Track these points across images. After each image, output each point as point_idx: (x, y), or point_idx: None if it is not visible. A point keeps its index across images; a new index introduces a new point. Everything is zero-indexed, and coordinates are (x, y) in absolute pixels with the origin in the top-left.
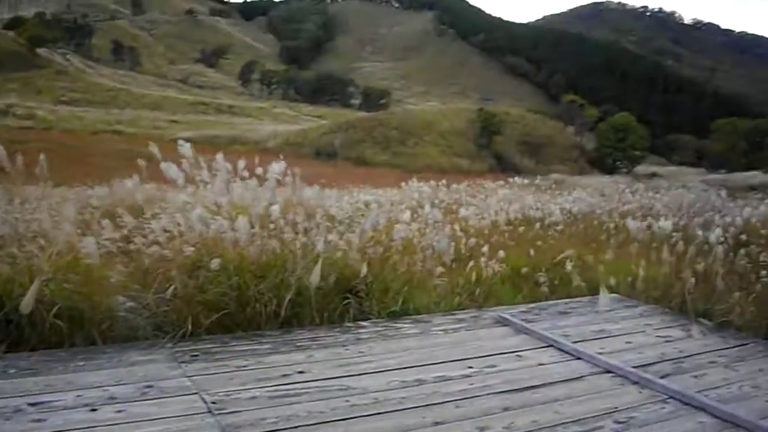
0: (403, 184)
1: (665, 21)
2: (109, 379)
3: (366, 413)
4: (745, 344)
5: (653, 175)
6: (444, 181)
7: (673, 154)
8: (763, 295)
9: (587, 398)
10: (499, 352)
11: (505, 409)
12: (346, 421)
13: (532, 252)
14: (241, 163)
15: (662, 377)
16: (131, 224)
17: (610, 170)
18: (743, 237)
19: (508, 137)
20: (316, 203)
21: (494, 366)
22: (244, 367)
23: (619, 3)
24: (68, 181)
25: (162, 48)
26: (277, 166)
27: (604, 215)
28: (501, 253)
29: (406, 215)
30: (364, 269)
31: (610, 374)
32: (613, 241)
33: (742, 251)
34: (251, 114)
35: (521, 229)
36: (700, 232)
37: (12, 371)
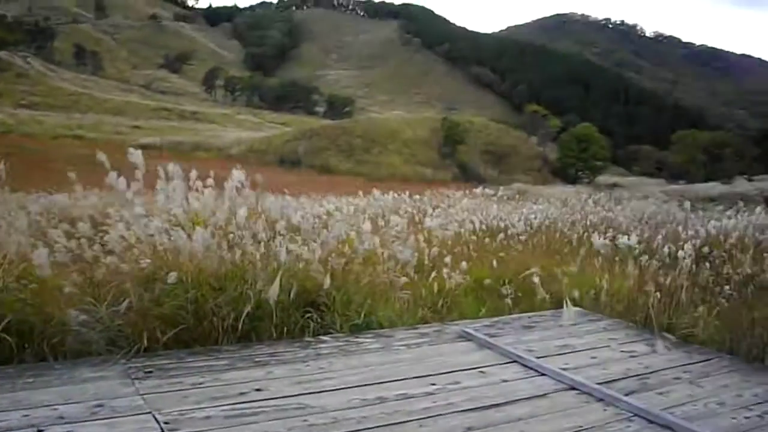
0: (366, 192)
1: (627, 33)
2: (59, 397)
3: None
4: (710, 359)
5: (614, 185)
6: (408, 193)
7: (633, 164)
8: (727, 309)
9: (551, 417)
10: (462, 368)
11: (469, 428)
12: None
13: (495, 263)
14: (203, 171)
15: (627, 394)
16: (88, 233)
17: (573, 180)
18: (706, 249)
19: (472, 146)
20: (278, 212)
21: (457, 383)
22: (200, 384)
23: (582, 15)
24: (26, 186)
25: (125, 53)
26: (238, 174)
27: (567, 227)
28: (464, 265)
29: (369, 225)
30: (328, 281)
31: (575, 391)
32: (576, 253)
33: (707, 264)
34: (215, 120)
35: (485, 239)
36: (666, 249)
37: None
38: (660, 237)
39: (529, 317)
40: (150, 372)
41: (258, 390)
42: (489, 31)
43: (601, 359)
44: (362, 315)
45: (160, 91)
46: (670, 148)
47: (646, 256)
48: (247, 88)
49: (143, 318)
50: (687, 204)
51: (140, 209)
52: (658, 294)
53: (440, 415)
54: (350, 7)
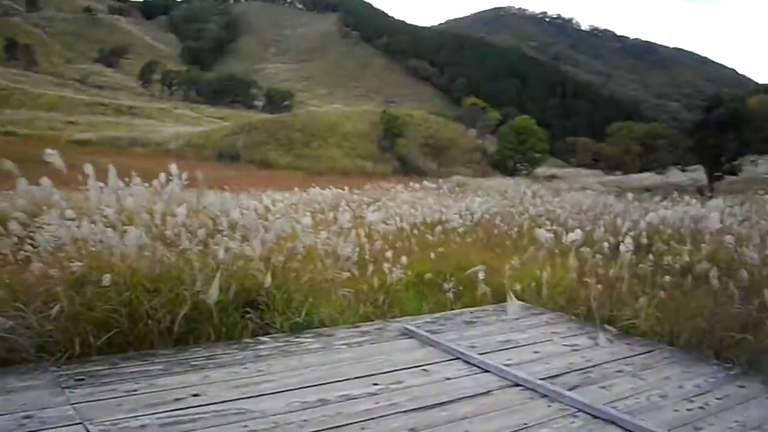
0: (306, 187)
1: (564, 27)
2: None
3: None
4: (651, 351)
5: (552, 176)
6: (346, 187)
7: (571, 156)
8: (666, 300)
9: (496, 414)
10: (404, 366)
11: (412, 429)
12: None
13: (435, 257)
14: (140, 167)
15: (570, 389)
16: (19, 233)
17: (512, 172)
18: (644, 240)
19: (411, 139)
20: (216, 208)
21: (400, 382)
22: (135, 391)
23: (520, 9)
24: None
25: (59, 46)
26: (175, 169)
27: (506, 218)
28: (404, 259)
29: (310, 220)
30: (269, 279)
31: (519, 387)
32: (516, 246)
33: (649, 256)
34: (152, 115)
35: (425, 233)
36: (606, 243)
37: None
38: (600, 229)
39: (471, 312)
40: (81, 379)
41: (195, 395)
42: (428, 25)
43: (544, 354)
44: (303, 313)
45: (95, 86)
46: (606, 140)
47: (587, 248)
48: (184, 82)
49: (75, 322)
50: (629, 195)
51: (69, 211)
52: (599, 286)
53: (383, 416)
54: None
